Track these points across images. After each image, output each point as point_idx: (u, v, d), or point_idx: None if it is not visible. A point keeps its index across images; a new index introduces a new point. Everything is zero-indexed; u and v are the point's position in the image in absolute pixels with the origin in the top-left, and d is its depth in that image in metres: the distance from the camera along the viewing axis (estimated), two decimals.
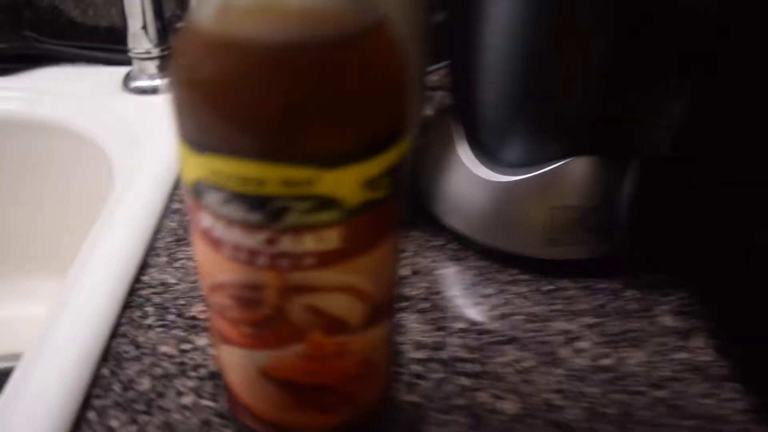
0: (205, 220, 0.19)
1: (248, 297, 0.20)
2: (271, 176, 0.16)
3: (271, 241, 0.18)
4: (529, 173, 0.34)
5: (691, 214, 0.37)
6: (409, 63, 0.19)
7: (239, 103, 0.16)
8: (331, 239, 0.18)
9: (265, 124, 0.16)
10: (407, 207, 0.40)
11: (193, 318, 0.32)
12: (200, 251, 0.20)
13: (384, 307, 0.22)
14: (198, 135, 0.17)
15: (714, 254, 0.36)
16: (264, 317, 0.20)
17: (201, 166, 0.17)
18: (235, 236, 0.18)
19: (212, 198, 0.18)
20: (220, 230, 0.18)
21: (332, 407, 0.23)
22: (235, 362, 0.22)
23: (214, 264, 0.20)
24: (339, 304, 0.20)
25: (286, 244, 0.18)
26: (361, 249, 0.19)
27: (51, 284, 0.54)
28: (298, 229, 0.18)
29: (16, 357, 0.49)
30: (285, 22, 0.16)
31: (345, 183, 0.17)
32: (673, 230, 0.37)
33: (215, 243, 0.19)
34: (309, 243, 0.18)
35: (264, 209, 0.17)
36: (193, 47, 0.17)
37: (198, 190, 0.18)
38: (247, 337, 0.21)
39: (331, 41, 0.16)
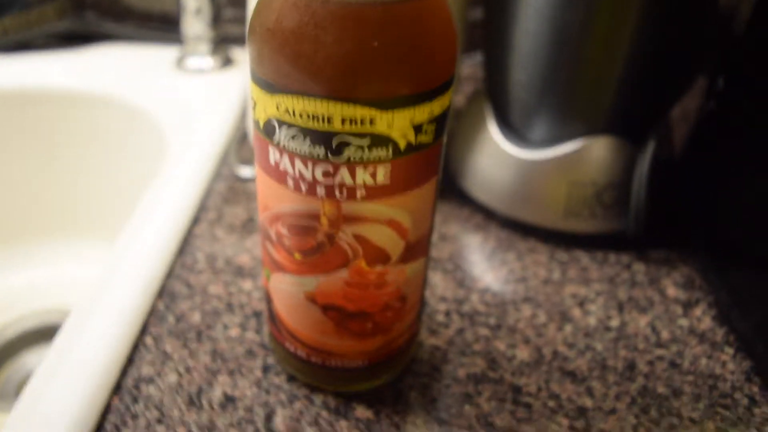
0: (273, 156, 0.22)
1: (304, 225, 0.23)
2: (336, 114, 0.20)
3: (329, 174, 0.21)
4: (552, 150, 0.37)
5: (699, 195, 0.40)
6: (456, 27, 0.22)
7: (314, 50, 0.19)
8: (380, 175, 0.21)
9: (333, 69, 0.19)
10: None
11: (239, 266, 0.36)
12: (264, 185, 0.23)
13: (418, 246, 0.25)
14: (274, 77, 0.20)
15: (718, 233, 0.38)
16: (316, 244, 0.23)
17: (274, 106, 0.21)
18: (299, 169, 0.21)
19: (282, 134, 0.21)
20: (286, 164, 0.22)
21: (368, 334, 0.26)
22: (286, 289, 0.26)
23: (276, 195, 0.23)
24: (381, 236, 0.23)
25: (343, 176, 0.21)
26: (404, 187, 0.22)
27: (102, 247, 0.58)
28: (353, 164, 0.21)
29: (65, 313, 0.53)
30: None
31: (397, 124, 0.20)
32: (682, 209, 0.40)
33: (280, 176, 0.22)
34: (362, 176, 0.21)
35: (327, 144, 0.20)
36: (275, 1, 0.20)
37: (269, 127, 0.22)
38: (299, 263, 0.24)
39: (392, 1, 0.19)
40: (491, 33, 0.39)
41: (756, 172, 0.36)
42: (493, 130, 0.40)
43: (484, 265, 0.37)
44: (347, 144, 0.20)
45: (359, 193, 0.22)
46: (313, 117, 0.20)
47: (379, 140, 0.20)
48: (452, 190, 0.43)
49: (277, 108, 0.21)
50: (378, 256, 0.24)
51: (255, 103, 0.22)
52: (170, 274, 0.35)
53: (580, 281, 0.37)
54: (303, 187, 0.22)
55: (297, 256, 0.24)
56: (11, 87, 0.54)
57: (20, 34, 0.59)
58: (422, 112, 0.21)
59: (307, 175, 0.21)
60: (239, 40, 0.62)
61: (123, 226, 0.53)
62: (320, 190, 0.22)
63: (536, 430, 0.28)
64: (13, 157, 0.56)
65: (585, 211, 0.38)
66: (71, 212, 0.58)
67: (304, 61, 0.19)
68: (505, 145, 0.39)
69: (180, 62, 0.56)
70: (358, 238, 0.23)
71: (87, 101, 0.54)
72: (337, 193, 0.22)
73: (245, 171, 0.44)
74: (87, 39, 0.61)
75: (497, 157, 0.39)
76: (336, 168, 0.21)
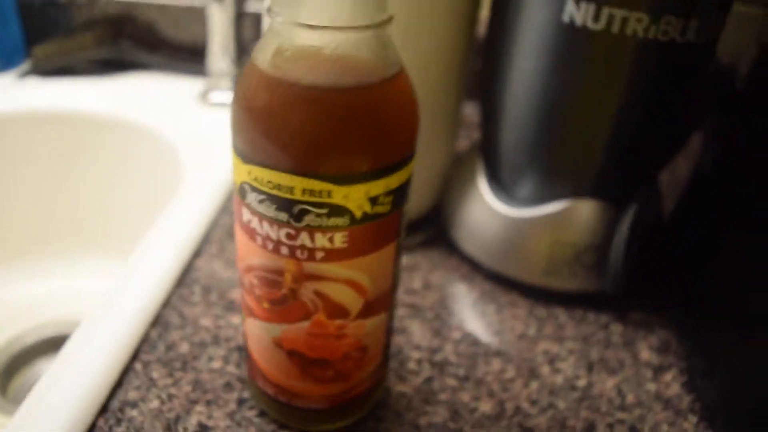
0: (246, 215, 0.24)
1: (271, 279, 0.25)
2: (297, 186, 0.22)
3: (292, 236, 0.23)
4: (537, 210, 0.39)
5: (685, 260, 0.41)
6: (417, 110, 0.24)
7: (279, 129, 0.21)
8: (338, 240, 0.23)
9: (295, 147, 0.21)
10: (431, 231, 0.46)
11: (231, 301, 0.38)
12: (240, 239, 0.26)
13: (378, 303, 0.27)
14: (246, 149, 0.23)
15: (696, 300, 0.39)
16: (281, 296, 0.25)
17: (246, 173, 0.23)
18: (266, 229, 0.24)
19: (252, 198, 0.23)
20: (255, 223, 0.24)
21: (328, 380, 0.28)
22: (256, 333, 0.28)
23: (249, 250, 0.25)
24: (340, 293, 0.25)
25: (303, 239, 0.23)
26: (362, 251, 0.24)
27: (116, 264, 0.62)
28: (313, 229, 0.23)
29: (75, 324, 0.56)
30: (320, 70, 0.22)
31: (353, 197, 0.22)
32: (661, 273, 0.41)
33: (251, 233, 0.24)
34: (321, 241, 0.23)
35: (289, 210, 0.23)
36: (250, 82, 0.23)
37: (243, 190, 0.24)
38: (267, 311, 0.26)
39: (352, 88, 0.22)
40: (485, 93, 0.41)
41: (743, 239, 0.36)
42: (482, 186, 0.41)
43: (464, 316, 0.39)
44: (307, 212, 0.23)
45: (318, 254, 0.24)
46: (278, 186, 0.22)
47: (336, 210, 0.23)
48: (443, 239, 0.45)
49: (249, 174, 0.23)
50: (337, 311, 0.26)
51: (233, 168, 0.24)
52: (167, 304, 0.37)
53: (555, 338, 0.38)
54: (269, 246, 0.24)
55: (265, 304, 0.26)
56: (44, 108, 0.58)
57: (60, 59, 0.63)
58: (378, 187, 0.23)
59: (273, 235, 0.24)
60: None
61: (135, 246, 0.57)
62: (284, 250, 0.24)
63: None
64: (39, 174, 0.60)
65: (566, 269, 0.39)
66: (90, 229, 0.61)
67: (271, 138, 0.22)
68: (492, 200, 0.41)
69: (204, 95, 0.59)
70: (318, 294, 0.25)
71: (113, 126, 0.57)
72: (298, 253, 0.24)
73: None
74: (122, 66, 0.65)
75: (484, 211, 0.41)
76: (297, 232, 0.23)
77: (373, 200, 0.23)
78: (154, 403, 0.32)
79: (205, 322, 0.37)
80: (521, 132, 0.39)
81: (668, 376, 0.36)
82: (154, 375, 0.33)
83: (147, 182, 0.57)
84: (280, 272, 0.25)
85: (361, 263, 0.25)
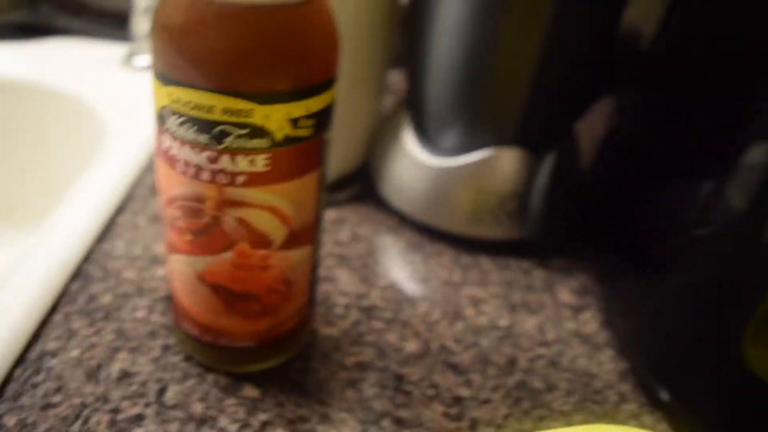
0: (165, 142, 0.24)
1: (193, 207, 0.25)
2: (217, 105, 0.22)
3: (212, 159, 0.23)
4: (460, 159, 0.40)
5: (602, 207, 0.43)
6: (337, 34, 0.25)
7: (197, 46, 0.21)
8: (259, 163, 0.23)
9: (214, 64, 0.21)
10: (359, 186, 0.46)
11: (155, 255, 0.38)
12: (160, 171, 0.25)
13: (302, 235, 0.27)
14: (165, 69, 0.22)
15: (613, 247, 0.41)
16: (203, 225, 0.25)
17: (165, 95, 0.23)
18: (186, 154, 0.24)
19: (172, 122, 0.23)
20: (176, 149, 0.24)
21: (255, 315, 0.28)
22: (180, 269, 0.28)
23: (169, 179, 0.25)
24: (263, 221, 0.25)
25: (224, 162, 0.23)
26: (284, 176, 0.24)
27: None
28: (234, 151, 0.23)
29: None
30: None
31: (274, 117, 0.23)
32: (579, 220, 0.43)
33: (171, 160, 0.24)
34: (242, 164, 0.23)
35: (209, 132, 0.23)
36: (169, 1, 0.22)
37: (162, 115, 0.24)
38: (190, 244, 0.26)
39: (270, 6, 0.22)
40: (410, 47, 0.42)
41: (652, 189, 0.39)
42: (408, 139, 0.42)
43: (390, 265, 0.40)
44: (228, 133, 0.23)
45: (240, 179, 0.24)
46: (198, 107, 0.22)
47: (257, 131, 0.23)
48: (371, 194, 0.45)
49: (169, 97, 0.23)
50: (260, 240, 0.26)
51: (153, 93, 0.24)
52: (88, 258, 0.36)
53: (479, 284, 0.39)
54: (190, 172, 0.24)
55: (187, 236, 0.26)
56: None
57: None
58: (299, 108, 0.23)
59: (193, 160, 0.24)
60: None
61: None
62: (204, 175, 0.24)
63: (411, 415, 0.30)
64: None
65: (490, 218, 0.41)
66: (8, 199, 0.59)
67: (189, 56, 0.22)
68: (418, 152, 0.41)
69: (128, 59, 0.58)
70: (241, 222, 0.25)
71: (32, 92, 0.55)
72: (219, 177, 0.24)
73: None
74: (40, 31, 0.63)
75: (410, 164, 0.42)
76: (218, 154, 0.23)
77: (294, 122, 0.23)
78: (75, 352, 0.31)
79: (129, 274, 0.36)
80: (445, 83, 0.40)
81: (586, 315, 0.38)
82: (75, 325, 0.32)
83: (69, 149, 0.55)
84: (201, 199, 0.24)
85: (283, 189, 0.25)
